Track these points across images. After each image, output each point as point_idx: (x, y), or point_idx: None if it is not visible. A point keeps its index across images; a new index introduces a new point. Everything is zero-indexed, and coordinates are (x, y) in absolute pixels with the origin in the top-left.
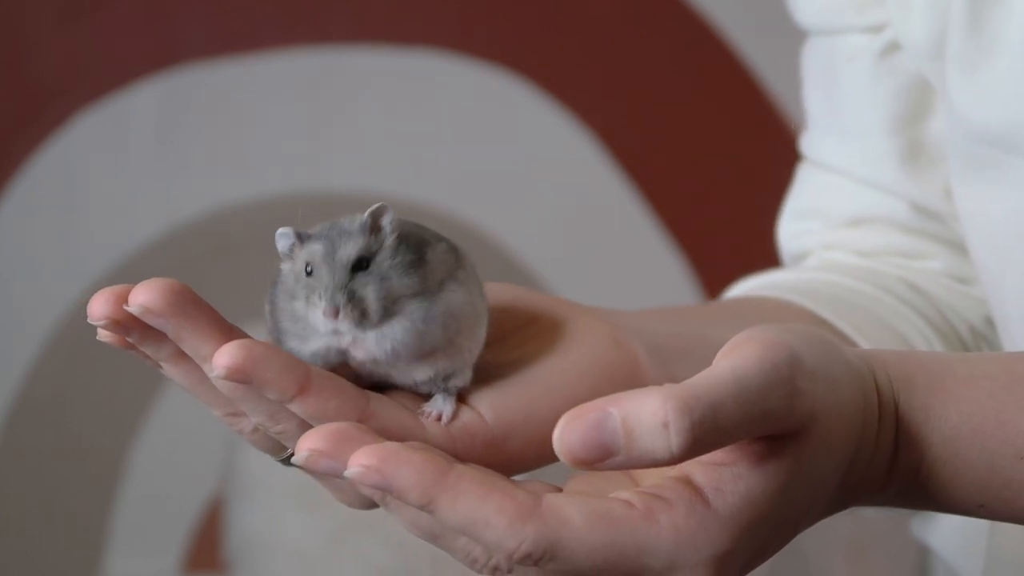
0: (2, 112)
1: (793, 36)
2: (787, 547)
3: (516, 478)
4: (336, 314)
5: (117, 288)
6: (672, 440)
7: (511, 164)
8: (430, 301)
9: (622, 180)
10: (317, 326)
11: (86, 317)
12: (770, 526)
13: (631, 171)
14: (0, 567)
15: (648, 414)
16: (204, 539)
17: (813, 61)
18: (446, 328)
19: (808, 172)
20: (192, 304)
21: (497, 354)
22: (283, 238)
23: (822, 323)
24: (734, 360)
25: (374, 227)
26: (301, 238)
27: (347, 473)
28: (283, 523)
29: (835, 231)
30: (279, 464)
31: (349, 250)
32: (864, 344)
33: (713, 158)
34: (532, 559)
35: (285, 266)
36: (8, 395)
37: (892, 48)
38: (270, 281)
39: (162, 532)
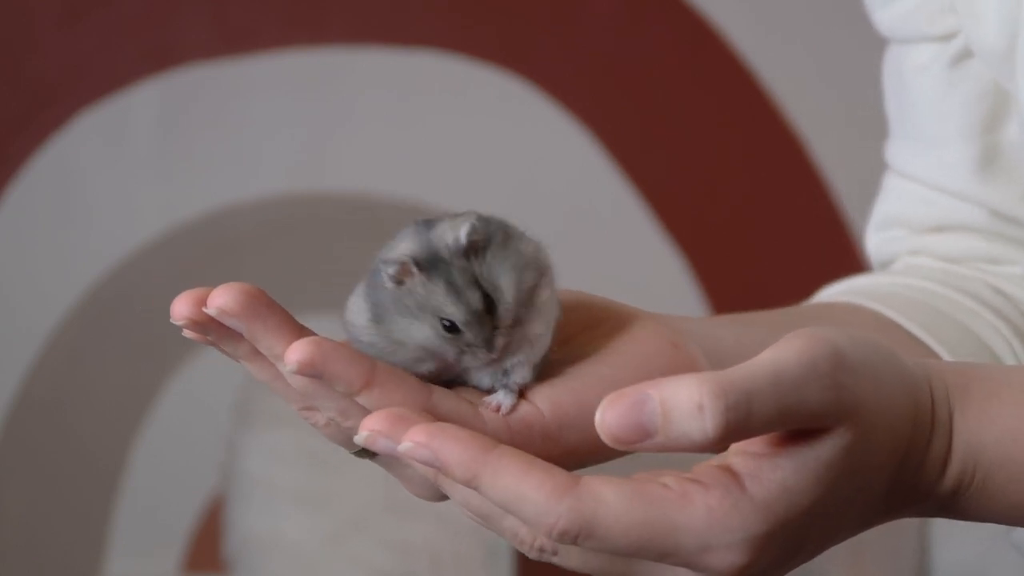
0: (2, 112)
1: (793, 36)
2: None
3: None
4: (498, 359)
5: (198, 291)
6: (707, 423)
7: (511, 164)
8: (534, 305)
9: (622, 180)
10: (478, 370)
11: (86, 317)
12: (807, 519)
13: (631, 171)
14: (1, 567)
15: (685, 397)
16: (204, 539)
17: (890, 69)
18: (545, 326)
19: (891, 180)
20: (265, 306)
21: (561, 354)
22: (389, 267)
23: (893, 326)
24: (775, 353)
25: (471, 249)
26: (425, 266)
27: (400, 448)
28: (283, 523)
29: (919, 237)
30: (284, 464)
31: (476, 299)
32: (937, 347)
33: (713, 158)
34: (569, 536)
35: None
36: (8, 395)
37: (964, 56)
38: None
39: (162, 532)
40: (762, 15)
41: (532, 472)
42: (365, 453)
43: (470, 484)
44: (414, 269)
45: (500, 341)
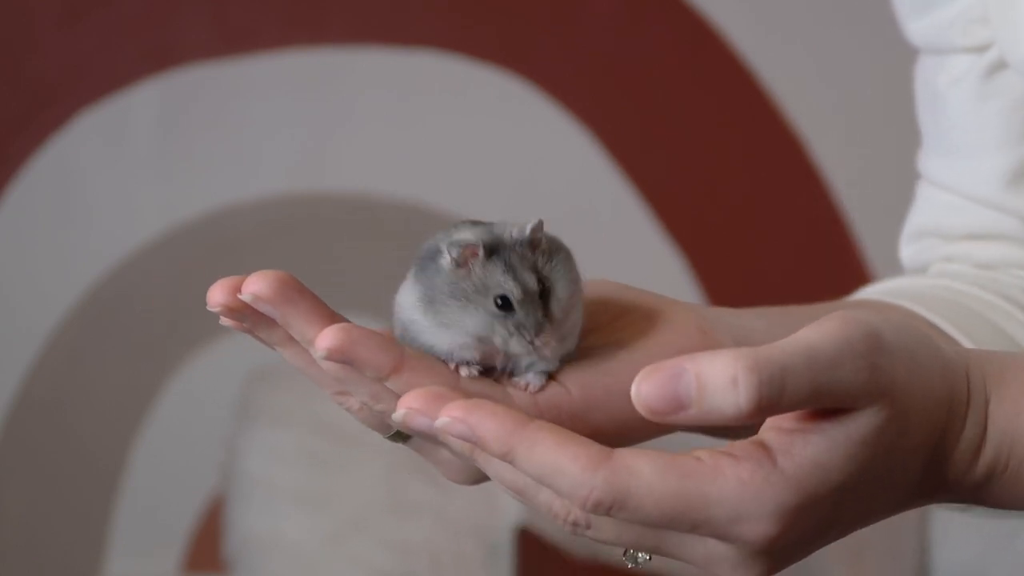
0: (2, 112)
1: (793, 36)
2: None
3: None
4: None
5: (233, 278)
6: (740, 396)
7: (511, 164)
8: (576, 310)
9: (622, 180)
10: (523, 354)
11: (86, 317)
12: (838, 495)
13: (631, 171)
14: (1, 567)
15: (719, 371)
16: (204, 539)
17: (921, 79)
18: (573, 328)
19: (924, 190)
20: (297, 292)
21: (591, 341)
22: (454, 249)
23: (925, 324)
24: (810, 332)
25: (534, 243)
26: (487, 251)
27: (436, 423)
28: (283, 523)
29: (954, 244)
30: (284, 464)
31: (533, 282)
32: (968, 344)
33: (713, 158)
34: (603, 507)
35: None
36: (8, 395)
37: (997, 67)
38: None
39: (162, 532)
40: (762, 15)
41: (567, 445)
42: (398, 437)
43: (506, 458)
44: (480, 251)
45: (548, 334)
